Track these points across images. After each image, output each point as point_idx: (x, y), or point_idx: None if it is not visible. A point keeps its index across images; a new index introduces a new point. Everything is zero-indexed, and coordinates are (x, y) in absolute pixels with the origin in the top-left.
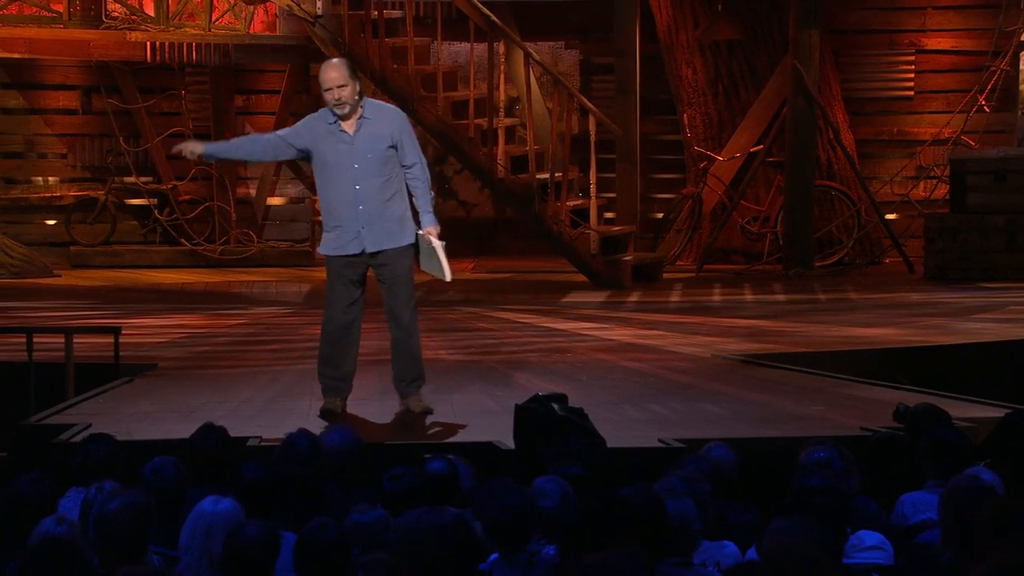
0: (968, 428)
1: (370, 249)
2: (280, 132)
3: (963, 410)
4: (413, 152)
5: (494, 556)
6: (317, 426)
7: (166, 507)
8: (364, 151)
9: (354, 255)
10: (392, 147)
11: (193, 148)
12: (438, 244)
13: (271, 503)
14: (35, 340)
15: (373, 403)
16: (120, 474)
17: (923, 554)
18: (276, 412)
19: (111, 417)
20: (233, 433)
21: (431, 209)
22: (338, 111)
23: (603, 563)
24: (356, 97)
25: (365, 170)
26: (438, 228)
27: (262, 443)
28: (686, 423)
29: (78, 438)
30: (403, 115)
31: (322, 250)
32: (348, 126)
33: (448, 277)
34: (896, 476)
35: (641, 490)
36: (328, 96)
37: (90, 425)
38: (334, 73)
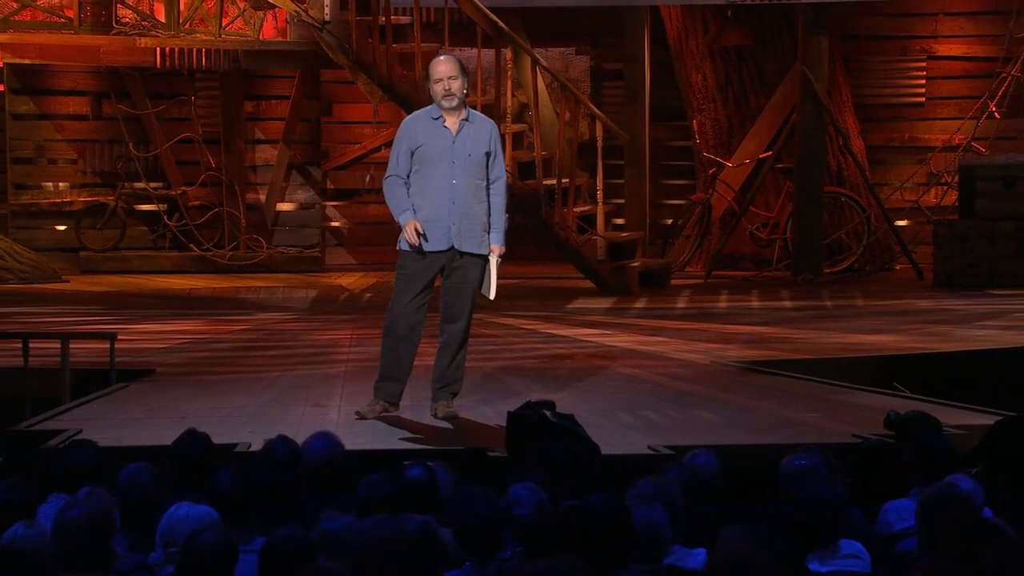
0: (960, 435)
1: (458, 246)
2: (397, 172)
3: (958, 417)
4: (501, 166)
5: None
6: (306, 432)
7: (141, 514)
8: (464, 150)
9: (441, 251)
10: (487, 154)
11: (414, 230)
12: (494, 262)
13: (246, 510)
14: (34, 346)
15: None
16: (102, 480)
17: (901, 562)
18: (268, 418)
19: (102, 423)
20: (223, 439)
21: (502, 228)
22: (447, 103)
23: (541, 571)
24: (464, 93)
25: (463, 168)
26: (502, 248)
27: (250, 450)
28: (679, 430)
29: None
30: (496, 128)
31: (406, 246)
32: (451, 124)
33: (492, 296)
34: (885, 483)
35: (606, 497)
36: (438, 88)
37: (80, 431)
38: (444, 66)
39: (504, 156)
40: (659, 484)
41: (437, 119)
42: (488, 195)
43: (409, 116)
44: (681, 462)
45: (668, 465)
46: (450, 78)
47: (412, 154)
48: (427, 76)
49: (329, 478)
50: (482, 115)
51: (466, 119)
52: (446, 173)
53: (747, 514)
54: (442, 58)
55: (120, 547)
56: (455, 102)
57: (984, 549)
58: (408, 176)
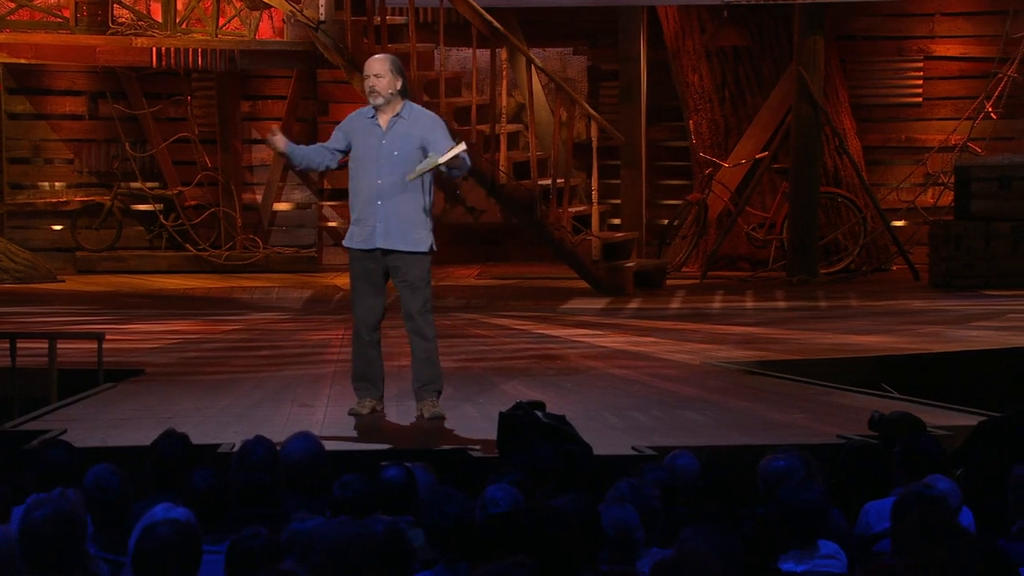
0: (945, 436)
1: (382, 245)
2: (327, 142)
3: (943, 418)
4: (446, 143)
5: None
6: (291, 433)
7: (109, 514)
8: (392, 148)
9: (370, 250)
10: (421, 149)
11: (278, 143)
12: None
13: (223, 511)
14: (24, 346)
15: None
16: (77, 481)
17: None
18: (253, 419)
19: (88, 423)
20: (208, 440)
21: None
22: (371, 100)
23: (492, 574)
24: (391, 92)
25: (389, 167)
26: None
27: (234, 450)
28: (664, 431)
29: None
30: (439, 120)
31: (344, 242)
32: (383, 121)
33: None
34: (868, 484)
35: (573, 499)
36: (365, 84)
37: (64, 431)
38: (375, 64)
39: (501, 152)
40: (637, 485)
41: (371, 118)
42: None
43: (354, 112)
44: (661, 463)
45: (646, 466)
46: (375, 76)
47: (347, 147)
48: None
49: (308, 479)
50: (423, 110)
51: (399, 115)
52: (373, 172)
53: (708, 515)
54: (379, 56)
55: (94, 549)
56: (379, 100)
57: (939, 549)
58: (330, 147)
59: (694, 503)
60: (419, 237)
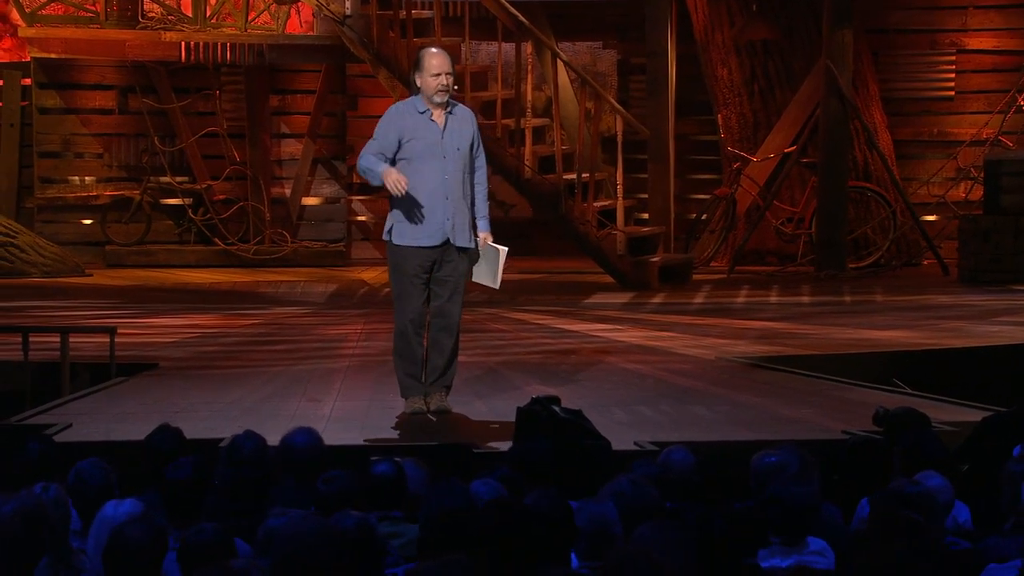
0: (952, 432)
1: (454, 241)
2: (382, 148)
3: (952, 413)
4: (483, 155)
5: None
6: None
7: (94, 508)
8: (453, 144)
9: (434, 246)
10: (471, 146)
11: (397, 182)
12: (503, 249)
13: (198, 504)
14: (40, 339)
15: (360, 403)
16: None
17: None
18: (261, 414)
19: (95, 417)
20: (214, 434)
21: (488, 215)
22: (439, 98)
23: (430, 571)
24: (454, 88)
25: (453, 162)
26: (491, 235)
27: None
28: (671, 426)
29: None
30: (473, 113)
31: (399, 240)
32: (438, 117)
33: (497, 285)
34: (868, 480)
35: (545, 495)
36: (434, 82)
37: (70, 425)
38: (442, 59)
39: (526, 146)
40: (636, 482)
41: (424, 112)
42: (472, 184)
43: (394, 106)
44: (653, 459)
45: (638, 461)
46: (447, 73)
47: (400, 144)
48: (418, 67)
49: (305, 474)
50: (462, 105)
51: (450, 112)
52: (438, 168)
53: (665, 511)
54: (434, 50)
55: (79, 543)
56: (446, 98)
57: (889, 548)
58: (387, 154)
59: (691, 498)
60: (471, 233)
